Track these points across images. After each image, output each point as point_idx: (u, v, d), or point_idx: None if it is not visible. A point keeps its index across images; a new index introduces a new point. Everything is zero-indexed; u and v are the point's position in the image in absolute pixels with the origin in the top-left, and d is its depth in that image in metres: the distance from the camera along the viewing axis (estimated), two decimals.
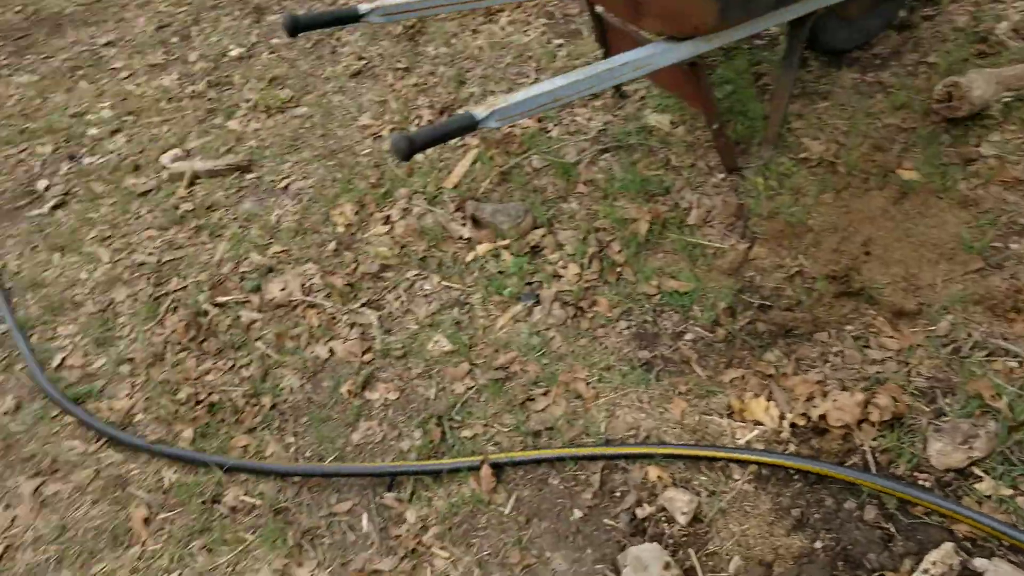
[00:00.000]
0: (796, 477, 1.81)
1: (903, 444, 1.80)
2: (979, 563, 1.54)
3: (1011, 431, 1.76)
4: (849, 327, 2.10)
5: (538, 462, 1.98)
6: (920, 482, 1.74)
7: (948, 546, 1.59)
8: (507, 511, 1.92)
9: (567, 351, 2.25)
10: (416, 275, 2.60)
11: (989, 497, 1.68)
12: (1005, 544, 1.59)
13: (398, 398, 2.26)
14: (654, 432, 1.99)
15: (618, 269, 2.44)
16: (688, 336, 2.21)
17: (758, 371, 2.06)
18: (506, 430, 2.09)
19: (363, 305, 2.54)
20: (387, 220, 2.82)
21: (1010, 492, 1.67)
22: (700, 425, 1.98)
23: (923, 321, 2.06)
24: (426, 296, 2.52)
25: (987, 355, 1.93)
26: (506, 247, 2.58)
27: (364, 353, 2.39)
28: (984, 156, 2.43)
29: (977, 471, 1.72)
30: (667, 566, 1.67)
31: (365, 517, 2.00)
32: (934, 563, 1.57)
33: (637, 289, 2.36)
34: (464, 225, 2.70)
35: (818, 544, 1.70)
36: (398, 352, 2.37)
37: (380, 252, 2.68)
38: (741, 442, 1.91)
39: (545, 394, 2.15)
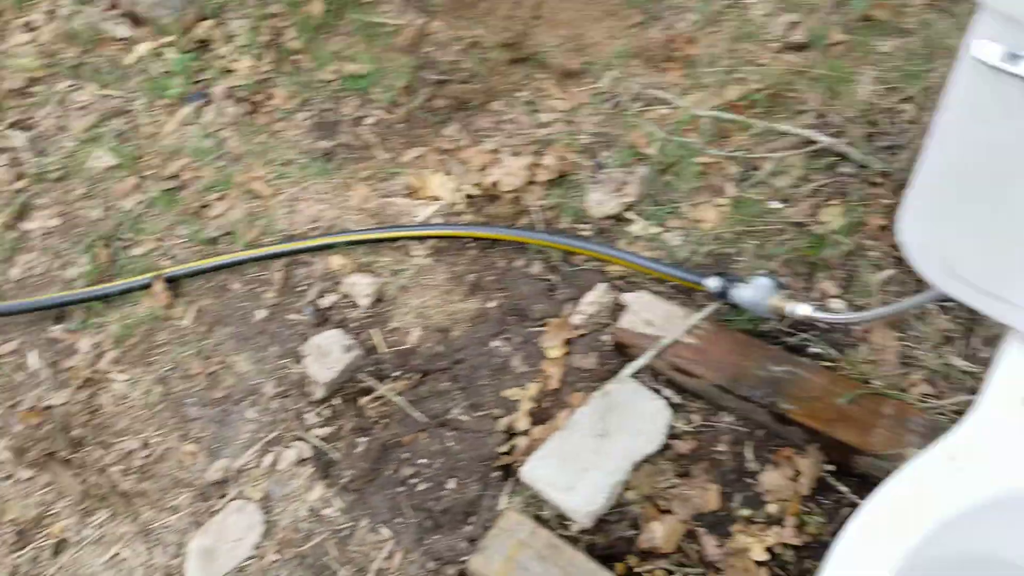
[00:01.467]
0: (471, 245, 1.84)
1: (567, 199, 1.85)
2: (627, 297, 1.64)
3: (660, 173, 1.85)
4: (521, 93, 2.10)
5: (217, 269, 1.89)
6: (581, 232, 1.81)
7: (601, 286, 1.68)
8: (187, 323, 1.84)
9: (244, 151, 2.11)
10: (69, 86, 2.32)
11: (640, 237, 1.78)
12: (651, 277, 1.70)
13: (60, 224, 2.05)
14: (337, 222, 1.94)
15: (294, 57, 2.29)
16: (369, 120, 2.14)
17: (437, 147, 2.03)
18: (181, 241, 1.97)
19: (10, 126, 2.24)
20: (29, 26, 2.46)
21: (658, 230, 1.78)
22: (380, 208, 1.95)
23: (588, 80, 2.09)
24: (82, 108, 2.27)
25: (643, 105, 2.00)
26: (170, 44, 2.34)
27: (16, 180, 2.14)
28: None
29: (630, 215, 1.81)
30: (348, 348, 1.67)
31: (34, 354, 1.85)
32: (590, 303, 1.66)
33: (315, 76, 2.23)
34: (120, 24, 2.41)
35: (491, 304, 1.75)
36: (56, 174, 2.14)
37: (24, 64, 2.35)
38: (419, 219, 1.90)
39: (221, 198, 2.03)
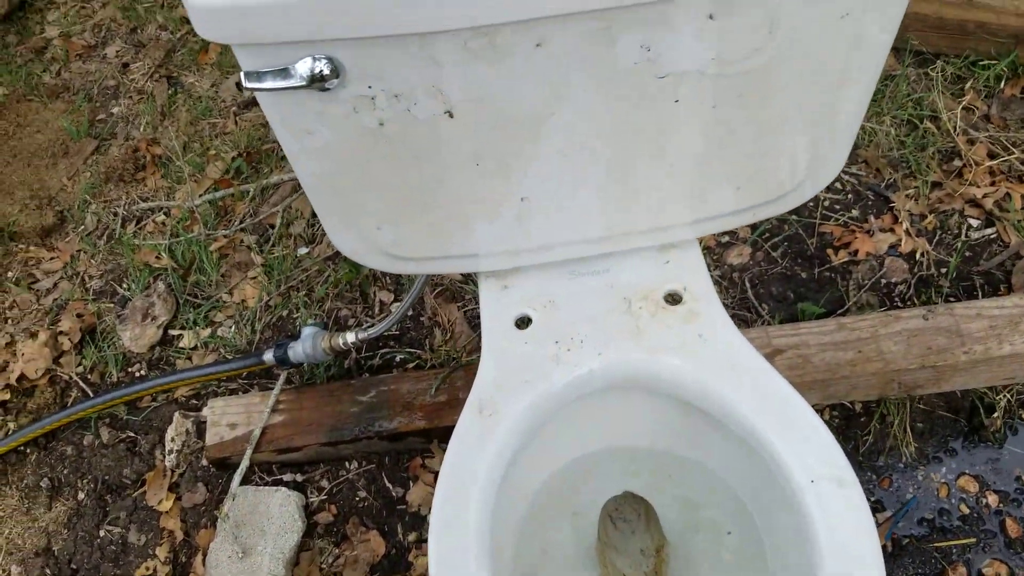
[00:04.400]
0: (27, 451, 1.65)
1: (105, 351, 1.73)
2: (204, 412, 1.57)
3: (183, 278, 1.79)
4: (9, 274, 1.91)
5: None
6: (136, 374, 1.70)
7: (177, 416, 1.59)
8: None
9: None
10: None
11: (196, 348, 1.71)
12: (220, 381, 1.64)
13: None
14: None
15: None
16: None
17: None
18: None
19: None
20: None
21: (208, 331, 1.72)
22: None
23: (71, 226, 1.96)
24: None
25: (138, 224, 1.91)
26: None
27: None
28: (51, 39, 2.31)
29: (174, 332, 1.73)
30: None
31: None
32: (172, 439, 1.57)
33: None
34: None
35: (81, 495, 1.59)
36: None
37: None
38: None
39: None
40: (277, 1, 0.70)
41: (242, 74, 0.76)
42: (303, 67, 0.75)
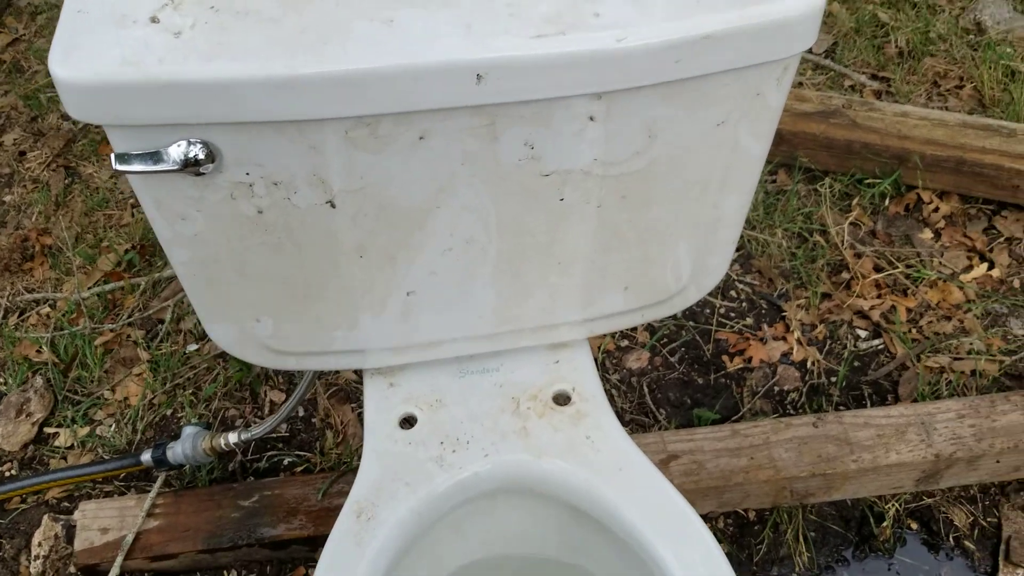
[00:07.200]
0: None
1: None
2: (75, 516, 1.46)
3: (64, 373, 1.70)
4: None
5: None
6: (7, 475, 1.59)
7: (45, 519, 1.48)
8: None
9: None
10: None
11: (72, 447, 1.61)
12: (95, 483, 1.54)
13: None
14: None
15: None
16: None
17: None
18: None
19: None
20: None
21: (87, 430, 1.62)
22: None
23: None
24: None
25: (20, 316, 1.82)
26: None
27: None
28: None
29: (50, 430, 1.63)
30: None
31: None
32: (39, 543, 1.45)
33: None
34: None
35: None
36: None
37: None
38: None
39: None
40: (150, 81, 0.68)
41: (112, 156, 0.73)
42: (176, 151, 0.73)
